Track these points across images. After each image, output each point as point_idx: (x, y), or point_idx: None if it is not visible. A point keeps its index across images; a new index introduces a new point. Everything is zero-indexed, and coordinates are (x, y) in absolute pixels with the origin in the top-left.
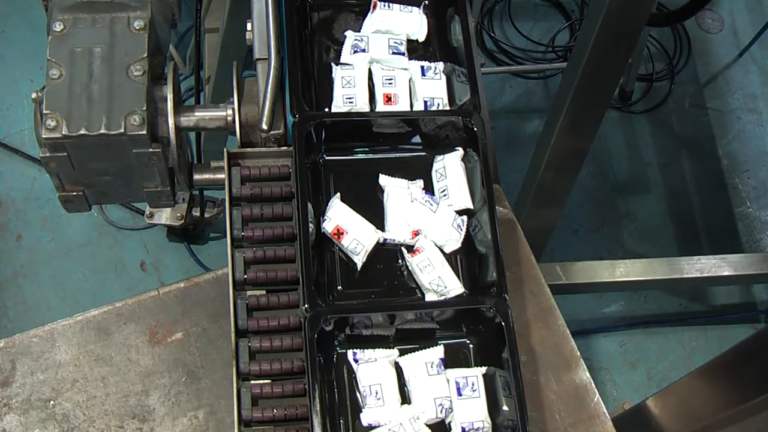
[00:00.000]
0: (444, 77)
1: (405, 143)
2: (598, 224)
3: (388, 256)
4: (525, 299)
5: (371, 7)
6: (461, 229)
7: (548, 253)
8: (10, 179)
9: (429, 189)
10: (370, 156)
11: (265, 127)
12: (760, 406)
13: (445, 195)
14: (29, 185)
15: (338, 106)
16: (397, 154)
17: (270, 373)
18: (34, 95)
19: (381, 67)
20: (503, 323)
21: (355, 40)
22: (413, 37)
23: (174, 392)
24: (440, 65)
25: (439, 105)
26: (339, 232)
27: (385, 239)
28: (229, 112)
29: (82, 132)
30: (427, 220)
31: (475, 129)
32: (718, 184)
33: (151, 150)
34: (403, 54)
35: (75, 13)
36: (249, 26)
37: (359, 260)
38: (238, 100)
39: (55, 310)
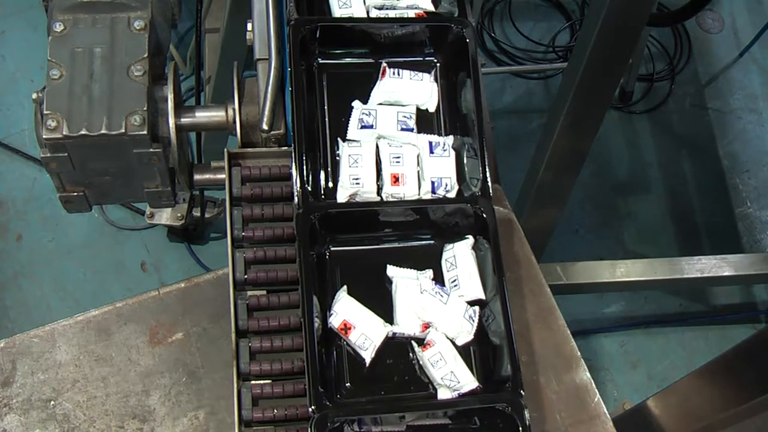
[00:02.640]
0: (453, 153)
1: (413, 231)
2: (598, 224)
3: (397, 349)
4: (525, 299)
5: (380, 73)
6: (473, 321)
7: (548, 253)
8: (11, 179)
9: (439, 278)
10: (377, 246)
11: (265, 127)
12: (760, 406)
13: (455, 285)
14: (30, 185)
15: (344, 186)
16: (405, 244)
17: (270, 374)
18: (34, 95)
19: (388, 143)
20: (518, 421)
21: (363, 113)
22: (423, 107)
23: (174, 392)
24: (449, 140)
25: (446, 185)
26: (346, 327)
27: (395, 333)
28: (230, 112)
29: (83, 132)
30: (437, 312)
31: (485, 216)
32: (718, 184)
33: (151, 150)
34: (412, 129)
35: (75, 14)
36: (249, 26)
37: (368, 356)
38: (238, 100)
39: (55, 310)
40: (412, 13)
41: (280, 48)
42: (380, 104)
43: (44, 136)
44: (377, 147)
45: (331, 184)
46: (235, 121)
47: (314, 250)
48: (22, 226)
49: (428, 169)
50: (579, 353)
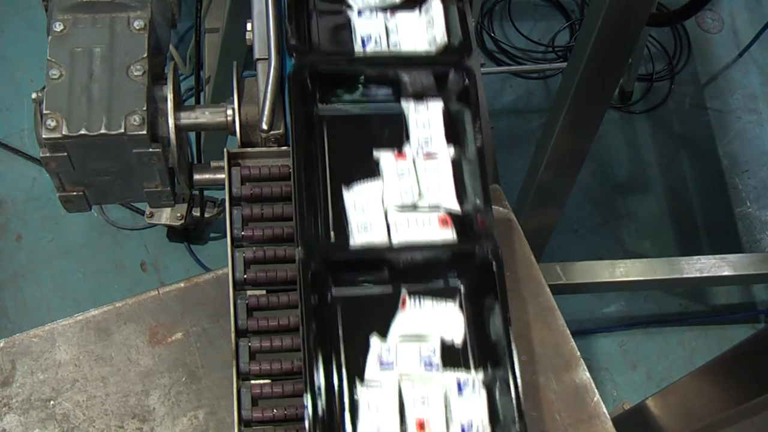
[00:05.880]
0: (484, 392)
1: None
2: (598, 224)
3: None
4: (525, 299)
5: (400, 304)
6: None
7: (548, 253)
8: (10, 179)
9: None
10: None
11: (265, 127)
12: (760, 406)
13: None
14: (29, 185)
15: None
16: None
17: (270, 373)
18: (34, 95)
19: (412, 384)
20: None
21: (382, 351)
22: (448, 339)
23: (174, 392)
24: (479, 376)
25: (478, 429)
26: None
27: None
28: (229, 112)
29: (83, 132)
30: None
31: None
32: (718, 184)
33: (151, 150)
34: (437, 367)
35: (75, 14)
36: (249, 26)
37: None
38: (238, 100)
39: (55, 310)
40: (435, 218)
41: (280, 48)
42: (401, 336)
43: (44, 136)
44: (399, 389)
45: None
46: (234, 121)
47: None
48: (21, 226)
49: (457, 412)
50: (578, 353)
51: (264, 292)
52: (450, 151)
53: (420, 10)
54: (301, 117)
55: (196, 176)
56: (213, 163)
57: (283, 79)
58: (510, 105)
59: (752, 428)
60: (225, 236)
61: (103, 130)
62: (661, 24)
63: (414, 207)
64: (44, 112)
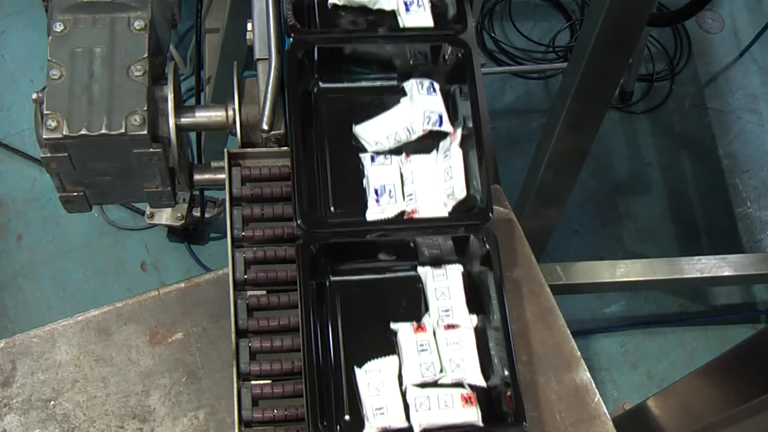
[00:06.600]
0: None
1: None
2: (598, 224)
3: None
4: (525, 299)
5: None
6: None
7: (548, 253)
8: (11, 179)
9: None
10: None
11: (265, 127)
12: (760, 406)
13: None
14: (30, 185)
15: None
16: None
17: (270, 374)
18: (34, 95)
19: None
20: None
21: None
22: None
23: (174, 392)
24: None
25: None
26: None
27: None
28: (230, 112)
29: (83, 132)
30: None
31: None
32: (718, 184)
33: (151, 150)
34: None
35: (75, 14)
36: (249, 26)
37: None
38: (238, 101)
39: (55, 310)
40: (458, 396)
41: (280, 48)
42: None
43: (44, 136)
44: None
45: None
46: (235, 121)
47: None
48: (22, 226)
49: None
50: (579, 353)
51: (264, 292)
52: (473, 320)
53: (437, 150)
54: (311, 291)
55: (197, 176)
56: (213, 164)
57: (283, 79)
58: (510, 105)
59: (752, 428)
60: (225, 236)
61: (103, 131)
62: (662, 24)
63: (435, 383)
64: (45, 112)
